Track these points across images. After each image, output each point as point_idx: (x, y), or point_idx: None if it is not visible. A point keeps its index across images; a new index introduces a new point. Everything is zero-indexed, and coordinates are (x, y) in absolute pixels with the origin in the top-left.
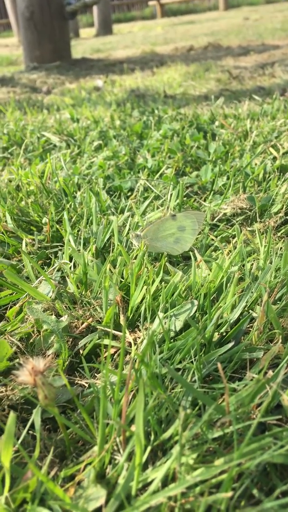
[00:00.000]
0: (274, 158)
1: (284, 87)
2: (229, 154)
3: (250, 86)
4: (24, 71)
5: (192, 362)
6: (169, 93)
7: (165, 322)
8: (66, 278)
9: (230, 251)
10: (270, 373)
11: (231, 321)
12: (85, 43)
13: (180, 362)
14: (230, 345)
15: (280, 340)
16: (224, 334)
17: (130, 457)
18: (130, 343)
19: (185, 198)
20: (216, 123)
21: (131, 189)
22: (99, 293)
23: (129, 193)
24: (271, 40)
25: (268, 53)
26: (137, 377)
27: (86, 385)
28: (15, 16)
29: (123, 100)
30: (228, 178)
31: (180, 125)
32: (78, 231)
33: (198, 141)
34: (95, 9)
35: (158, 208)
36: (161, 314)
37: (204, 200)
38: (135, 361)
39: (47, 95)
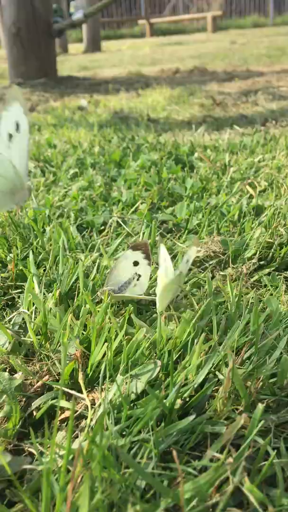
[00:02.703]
0: (251, 196)
1: (266, 116)
2: (206, 190)
3: (233, 113)
4: (9, 87)
5: (151, 434)
6: (153, 117)
7: (126, 383)
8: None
9: (200, 299)
10: (230, 460)
11: (196, 385)
12: (73, 60)
13: (139, 432)
14: (191, 417)
15: (245, 408)
16: (188, 399)
17: None
18: (89, 405)
19: (157, 238)
20: (196, 154)
21: (105, 223)
22: (59, 346)
23: (102, 227)
24: (256, 66)
25: (252, 80)
26: (85, 460)
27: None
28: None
29: (106, 121)
30: (203, 216)
31: (159, 156)
32: (44, 270)
33: (176, 173)
34: (84, 25)
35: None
36: (120, 378)
37: (179, 239)
38: (90, 429)
39: (30, 112)
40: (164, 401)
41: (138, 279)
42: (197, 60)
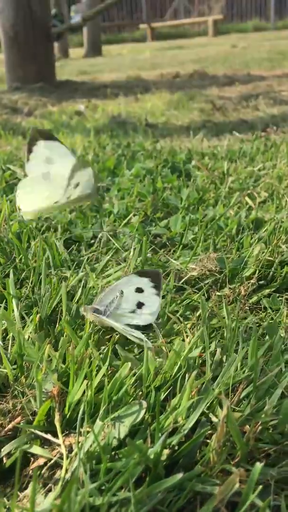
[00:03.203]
0: (250, 208)
1: (267, 121)
2: (203, 201)
3: (234, 118)
4: (6, 91)
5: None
6: (151, 122)
7: (108, 426)
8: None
9: (193, 324)
10: None
11: (186, 431)
12: (73, 64)
13: (121, 488)
14: (179, 475)
15: (241, 458)
16: (177, 447)
17: None
18: (64, 453)
19: (150, 254)
20: (193, 162)
21: (95, 237)
22: (35, 381)
23: (92, 241)
24: (257, 70)
25: (253, 84)
26: None
27: (5, 509)
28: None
29: (104, 126)
30: (199, 229)
31: (155, 164)
32: (27, 289)
33: (172, 183)
34: (84, 30)
35: (119, 264)
36: (98, 424)
37: (173, 254)
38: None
39: (27, 117)
40: (149, 451)
41: (140, 308)
42: (197, 64)
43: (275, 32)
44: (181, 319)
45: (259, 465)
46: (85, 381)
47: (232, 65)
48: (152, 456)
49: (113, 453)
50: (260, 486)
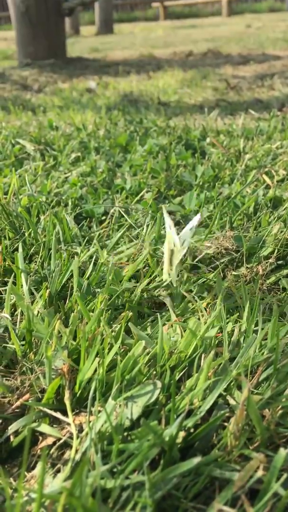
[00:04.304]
0: (268, 187)
1: (283, 101)
2: (218, 178)
3: (248, 98)
4: (17, 67)
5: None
6: (163, 100)
7: (120, 406)
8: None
9: (208, 303)
10: None
11: (202, 413)
12: (84, 42)
13: (133, 471)
14: (196, 460)
15: (261, 443)
16: (192, 430)
17: None
18: (74, 432)
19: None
20: (208, 139)
21: (106, 213)
22: (44, 357)
23: (103, 218)
24: (272, 50)
25: (268, 64)
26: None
27: (11, 490)
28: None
29: (115, 104)
30: (214, 207)
31: (168, 140)
32: (37, 264)
33: (186, 160)
34: (96, 7)
35: (132, 240)
36: (111, 403)
37: None
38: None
39: (37, 93)
40: (164, 433)
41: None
42: (211, 43)
43: None
44: (196, 298)
45: (283, 452)
46: (97, 359)
47: (247, 44)
48: (167, 439)
49: (125, 434)
50: (285, 475)
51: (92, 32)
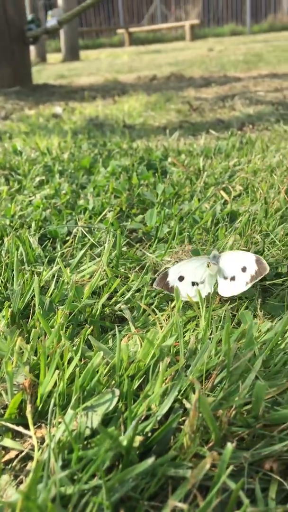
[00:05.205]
0: (225, 202)
1: (243, 120)
2: (179, 195)
3: (210, 119)
4: None
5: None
6: (129, 123)
7: (81, 416)
8: None
9: (168, 315)
10: None
11: (159, 417)
12: (51, 69)
13: (94, 476)
14: (150, 460)
15: (215, 443)
16: (150, 434)
17: None
18: (35, 444)
19: (126, 247)
20: (169, 159)
21: (70, 233)
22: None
23: (67, 238)
24: (233, 72)
25: (229, 85)
26: None
27: None
28: None
29: (81, 128)
30: (174, 222)
31: (131, 161)
32: None
33: (148, 179)
34: (62, 35)
35: (94, 258)
36: (70, 413)
37: (149, 248)
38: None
39: (4, 120)
40: (121, 438)
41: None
42: (174, 67)
43: (251, 36)
44: (157, 310)
45: (230, 446)
46: (57, 372)
47: (209, 67)
48: (124, 443)
49: (85, 442)
50: (231, 467)
51: (58, 59)
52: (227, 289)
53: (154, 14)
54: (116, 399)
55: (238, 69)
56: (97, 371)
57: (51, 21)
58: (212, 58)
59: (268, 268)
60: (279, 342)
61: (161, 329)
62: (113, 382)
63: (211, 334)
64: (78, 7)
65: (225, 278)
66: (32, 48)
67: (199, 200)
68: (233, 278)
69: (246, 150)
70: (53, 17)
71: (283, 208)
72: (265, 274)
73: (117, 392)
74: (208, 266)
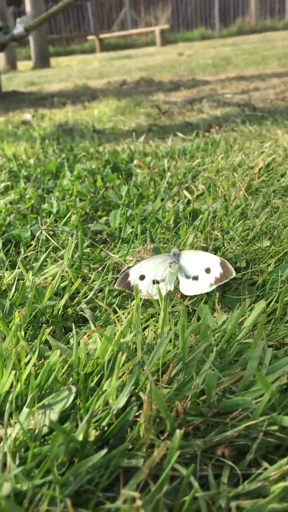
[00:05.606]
0: (189, 201)
1: (210, 122)
2: (143, 196)
3: (179, 122)
4: None
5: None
6: (98, 128)
7: (39, 414)
8: None
9: (129, 313)
10: (138, 504)
11: (115, 411)
12: (21, 76)
13: (49, 472)
14: (103, 452)
15: (170, 433)
16: (107, 428)
17: None
18: None
19: (89, 249)
20: (135, 161)
21: (34, 237)
22: None
23: (32, 242)
24: (201, 75)
25: (197, 89)
26: None
27: None
28: None
29: (51, 134)
30: (135, 222)
31: (96, 165)
32: None
33: (113, 182)
34: (31, 42)
35: (58, 261)
36: (25, 411)
37: (113, 248)
38: None
39: None
40: (76, 433)
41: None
42: (144, 72)
43: (221, 39)
44: (118, 309)
45: (178, 433)
46: (13, 373)
47: (178, 71)
48: (80, 438)
49: (43, 439)
50: (178, 452)
51: (29, 66)
52: (190, 288)
53: (124, 20)
54: (73, 396)
55: (206, 72)
56: (54, 369)
57: (18, 28)
58: (182, 62)
59: (234, 272)
60: (236, 333)
61: (119, 326)
62: (71, 379)
63: (171, 329)
64: (44, 13)
65: (187, 277)
66: (1, 56)
67: (162, 200)
68: (196, 278)
69: (211, 150)
70: (21, 24)
71: (242, 205)
72: (230, 278)
73: (73, 389)
74: (170, 266)
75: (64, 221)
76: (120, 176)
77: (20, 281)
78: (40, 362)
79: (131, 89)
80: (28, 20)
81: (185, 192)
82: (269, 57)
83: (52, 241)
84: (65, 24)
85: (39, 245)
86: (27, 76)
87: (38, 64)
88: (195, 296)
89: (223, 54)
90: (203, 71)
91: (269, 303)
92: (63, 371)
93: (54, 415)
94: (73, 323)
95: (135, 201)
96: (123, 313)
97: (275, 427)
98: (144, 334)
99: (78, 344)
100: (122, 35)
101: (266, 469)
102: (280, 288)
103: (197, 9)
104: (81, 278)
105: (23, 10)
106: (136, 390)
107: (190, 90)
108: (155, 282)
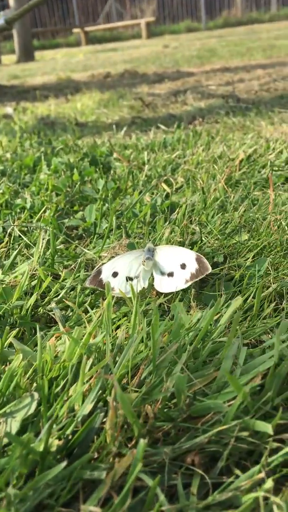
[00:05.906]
0: (168, 195)
1: (194, 114)
2: (121, 190)
3: (162, 114)
4: None
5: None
6: (81, 121)
7: (0, 423)
8: None
9: (100, 314)
10: None
11: (79, 418)
12: (4, 70)
13: (7, 485)
14: (63, 464)
15: (137, 440)
16: (71, 436)
17: None
18: None
19: (64, 245)
20: (114, 155)
21: (7, 233)
22: None
23: (5, 238)
24: (186, 67)
25: (182, 80)
26: None
27: None
28: None
29: (32, 128)
30: (117, 218)
31: (74, 158)
32: None
33: (91, 175)
34: (15, 35)
35: (30, 258)
36: None
37: (89, 244)
38: None
39: None
40: (36, 444)
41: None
42: (129, 64)
43: (207, 32)
44: (90, 308)
45: (142, 442)
46: None
47: (163, 63)
48: (41, 449)
49: (2, 451)
50: (141, 463)
51: (13, 60)
52: (165, 285)
53: (109, 12)
54: (35, 403)
55: (191, 64)
56: (16, 374)
57: None
58: (167, 54)
59: (210, 268)
60: (212, 331)
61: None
62: (35, 385)
63: (142, 329)
64: (25, 5)
65: (162, 273)
66: None
67: (140, 193)
68: (171, 274)
69: (192, 142)
70: (3, 16)
71: (221, 197)
72: (206, 273)
73: (36, 395)
74: (143, 264)
75: (38, 216)
76: (98, 170)
77: None
78: (3, 367)
79: (115, 81)
80: (11, 13)
81: (163, 185)
82: (254, 49)
83: (23, 237)
84: (49, 17)
85: (11, 241)
86: (10, 70)
87: (22, 57)
88: (171, 293)
89: (208, 46)
90: (188, 63)
91: (246, 299)
92: (27, 376)
93: (15, 423)
94: (44, 324)
95: (112, 195)
96: (95, 313)
97: (246, 433)
98: (116, 334)
99: (44, 346)
100: (107, 28)
101: (238, 477)
102: (257, 283)
103: (183, 1)
104: (52, 276)
105: (7, 4)
106: (104, 395)
107: (174, 82)
108: (128, 279)
